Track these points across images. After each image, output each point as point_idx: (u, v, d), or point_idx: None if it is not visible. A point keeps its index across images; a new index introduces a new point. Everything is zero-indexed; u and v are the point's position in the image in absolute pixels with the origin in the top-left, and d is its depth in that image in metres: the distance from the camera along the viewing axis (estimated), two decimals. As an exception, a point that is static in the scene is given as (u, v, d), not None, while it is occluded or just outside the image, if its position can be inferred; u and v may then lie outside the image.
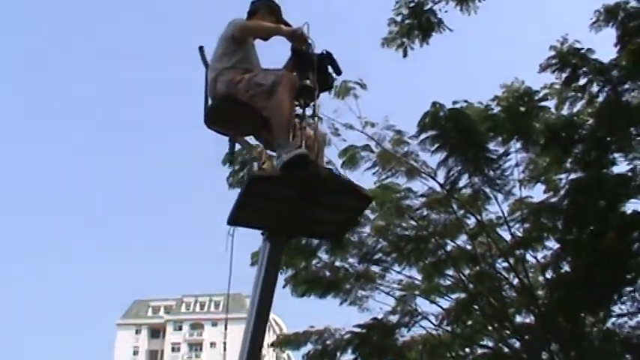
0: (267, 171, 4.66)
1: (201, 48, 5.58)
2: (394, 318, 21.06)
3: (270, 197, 4.55)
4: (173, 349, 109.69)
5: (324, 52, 5.28)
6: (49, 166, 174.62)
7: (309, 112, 5.08)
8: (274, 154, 4.93)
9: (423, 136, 17.98)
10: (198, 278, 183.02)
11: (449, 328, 21.62)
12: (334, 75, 5.39)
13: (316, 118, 5.03)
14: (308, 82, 4.99)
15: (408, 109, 20.75)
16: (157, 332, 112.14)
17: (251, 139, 5.54)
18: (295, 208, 4.64)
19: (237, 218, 4.74)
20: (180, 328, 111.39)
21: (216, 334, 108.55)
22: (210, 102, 5.24)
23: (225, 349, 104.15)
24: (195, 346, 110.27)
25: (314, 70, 5.04)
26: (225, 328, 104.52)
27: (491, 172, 17.84)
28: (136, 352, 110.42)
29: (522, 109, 17.95)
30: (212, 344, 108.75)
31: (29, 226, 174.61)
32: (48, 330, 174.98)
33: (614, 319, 20.24)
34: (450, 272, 20.89)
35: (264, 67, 5.52)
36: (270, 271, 4.78)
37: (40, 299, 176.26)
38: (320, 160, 5.04)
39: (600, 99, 17.05)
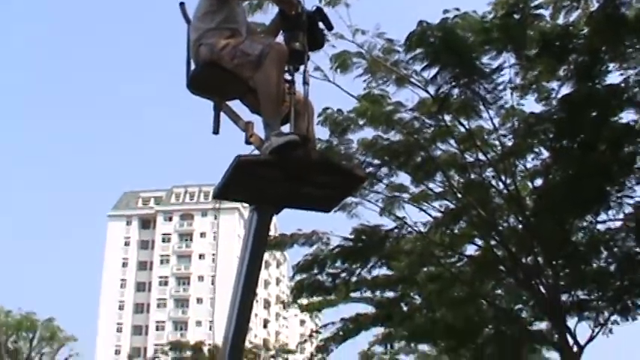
0: (254, 155, 4.43)
1: (182, 4, 5.25)
2: (383, 227, 21.21)
3: (258, 177, 4.37)
4: (164, 240, 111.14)
5: (315, 7, 4.99)
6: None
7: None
8: (260, 117, 4.70)
9: (411, 54, 17.54)
10: (188, 169, 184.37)
11: (436, 237, 21.82)
12: (325, 31, 5.12)
13: (306, 85, 4.78)
14: (297, 45, 4.71)
15: (402, 17, 20.16)
16: (147, 223, 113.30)
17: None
18: (284, 186, 4.46)
19: (224, 193, 4.57)
20: (171, 219, 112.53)
21: (206, 224, 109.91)
22: (193, 66, 4.96)
23: (214, 239, 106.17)
24: (186, 237, 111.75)
25: (304, 31, 4.76)
26: (216, 218, 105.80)
27: (484, 88, 17.50)
28: (127, 243, 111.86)
29: (516, 16, 17.47)
30: (202, 234, 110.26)
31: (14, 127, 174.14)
32: (39, 226, 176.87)
33: (600, 225, 20.43)
34: (439, 178, 20.90)
35: (251, 26, 5.23)
36: (258, 243, 4.63)
37: (29, 195, 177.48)
38: (310, 127, 4.82)
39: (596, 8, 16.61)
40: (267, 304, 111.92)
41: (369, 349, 40.73)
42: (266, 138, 4.41)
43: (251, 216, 4.70)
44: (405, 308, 25.73)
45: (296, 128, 4.52)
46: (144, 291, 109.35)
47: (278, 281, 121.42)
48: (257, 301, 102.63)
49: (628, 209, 19.00)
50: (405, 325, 26.34)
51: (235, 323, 4.44)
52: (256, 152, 4.46)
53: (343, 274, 22.03)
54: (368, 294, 25.80)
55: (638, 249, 20.18)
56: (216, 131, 4.86)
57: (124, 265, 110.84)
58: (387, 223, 21.35)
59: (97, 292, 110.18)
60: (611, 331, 21.68)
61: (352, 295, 26.18)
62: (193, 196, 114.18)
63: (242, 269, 4.54)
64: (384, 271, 23.69)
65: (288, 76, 4.76)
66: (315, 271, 21.92)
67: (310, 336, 32.12)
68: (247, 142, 4.62)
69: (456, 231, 21.67)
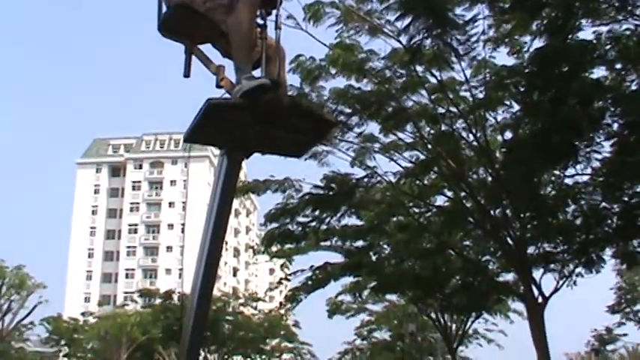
0: (225, 98, 4.40)
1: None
2: (353, 175, 21.29)
3: (229, 120, 4.34)
4: (134, 188, 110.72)
5: (284, -49, 4.91)
6: None
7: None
8: (232, 62, 4.65)
9: (384, 4, 17.43)
10: (158, 117, 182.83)
11: (406, 187, 21.95)
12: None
13: (278, 30, 4.73)
14: (271, -13, 4.66)
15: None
16: (117, 171, 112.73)
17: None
18: (255, 130, 4.44)
19: (194, 137, 4.54)
20: (141, 167, 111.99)
21: (176, 172, 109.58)
22: (164, 8, 4.88)
23: (185, 187, 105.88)
24: (156, 184, 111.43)
25: (275, -26, 4.69)
26: (186, 167, 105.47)
27: (456, 39, 17.46)
28: (96, 191, 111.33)
29: (490, -33, 17.38)
30: (172, 182, 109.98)
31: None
32: (7, 172, 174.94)
33: (568, 180, 20.67)
34: (410, 129, 20.96)
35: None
36: (227, 188, 4.60)
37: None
38: (282, 72, 4.80)
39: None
40: (236, 253, 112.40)
41: (337, 296, 41.18)
42: (237, 82, 4.37)
43: (221, 160, 4.68)
44: (374, 258, 25.94)
45: (267, 73, 4.48)
46: (113, 239, 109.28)
47: (248, 230, 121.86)
48: (226, 250, 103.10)
49: (595, 164, 19.25)
50: (374, 275, 26.57)
51: (204, 271, 4.43)
52: (227, 96, 4.44)
53: (313, 223, 22.14)
54: (338, 243, 25.98)
55: (604, 203, 20.49)
56: (187, 74, 4.80)
57: (94, 212, 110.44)
58: (358, 173, 21.47)
59: (67, 239, 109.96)
60: (575, 283, 22.06)
61: (322, 243, 26.35)
62: (164, 144, 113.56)
63: (211, 215, 4.53)
64: (353, 220, 23.89)
65: (260, 21, 4.70)
66: (286, 220, 22.02)
67: (279, 283, 32.26)
68: (218, 86, 4.58)
69: (425, 182, 21.86)
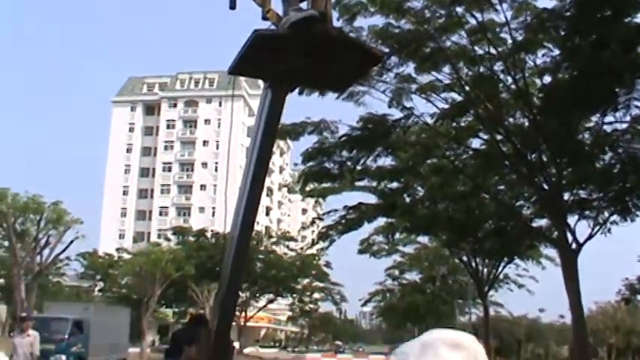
0: (272, 29, 4.38)
1: None
2: (390, 116, 21.20)
3: (274, 52, 4.33)
4: (168, 126, 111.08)
5: None
6: None
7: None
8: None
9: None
10: (193, 55, 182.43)
11: (442, 129, 21.83)
12: None
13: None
14: None
15: None
16: (151, 109, 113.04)
17: None
18: (300, 62, 4.43)
19: (239, 68, 4.53)
20: (175, 105, 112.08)
21: (210, 111, 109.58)
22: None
23: (219, 126, 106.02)
24: (190, 123, 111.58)
25: None
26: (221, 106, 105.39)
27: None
28: (131, 129, 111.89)
29: None
30: (206, 121, 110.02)
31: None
32: (44, 108, 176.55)
33: (606, 126, 20.41)
34: (448, 70, 20.76)
35: None
36: (271, 121, 4.59)
37: (35, 85, 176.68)
38: (328, 4, 4.76)
39: None
40: (269, 192, 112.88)
41: (370, 237, 41.36)
42: (284, 13, 4.37)
43: (264, 95, 4.68)
44: (407, 199, 25.96)
45: (314, 5, 4.46)
46: (148, 176, 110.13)
47: (281, 169, 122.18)
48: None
49: (635, 111, 18.97)
50: (407, 216, 26.63)
51: (244, 211, 4.43)
52: (273, 28, 4.42)
53: (349, 163, 22.14)
54: (372, 184, 26.02)
55: (642, 151, 20.25)
56: (232, 6, 4.78)
57: (128, 150, 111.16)
58: (395, 114, 21.37)
59: (102, 177, 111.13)
60: (609, 230, 21.95)
61: (356, 184, 26.40)
62: (198, 83, 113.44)
63: (254, 150, 4.55)
64: (389, 161, 23.83)
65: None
66: (323, 159, 22.03)
67: (312, 222, 32.35)
68: (264, 18, 4.56)
69: (462, 124, 21.70)
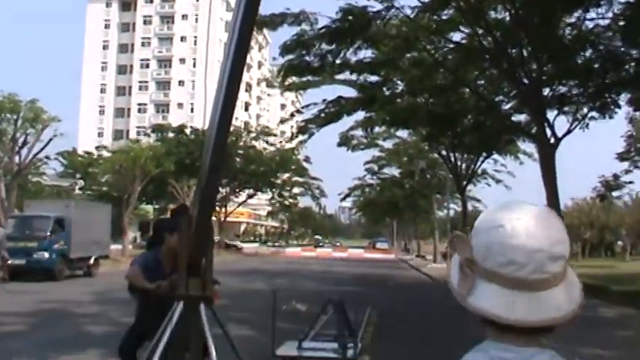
0: None
1: None
2: (371, 8, 20.80)
3: None
4: (145, 22, 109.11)
5: None
6: None
7: None
8: None
9: None
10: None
11: (423, 22, 21.52)
12: None
13: None
14: None
15: None
16: (127, 5, 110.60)
17: None
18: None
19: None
20: (152, 1, 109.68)
21: (187, 6, 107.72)
22: None
23: (196, 21, 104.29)
24: (167, 19, 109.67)
25: None
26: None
27: None
28: (107, 26, 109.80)
29: None
30: (184, 16, 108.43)
31: None
32: (19, 9, 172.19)
33: (588, 22, 20.27)
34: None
35: None
36: (249, 9, 4.37)
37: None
38: None
39: None
40: (248, 88, 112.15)
41: (348, 131, 41.38)
42: None
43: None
44: (387, 93, 25.85)
45: None
46: (125, 74, 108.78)
47: (260, 65, 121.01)
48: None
49: (617, 7, 18.76)
50: (387, 109, 26.57)
51: (222, 106, 4.31)
52: None
53: (329, 56, 21.86)
54: (352, 77, 25.85)
55: (623, 48, 20.16)
56: None
57: (105, 47, 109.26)
58: (375, 6, 20.97)
59: (79, 75, 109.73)
60: (587, 126, 22.09)
61: (336, 77, 26.21)
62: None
63: (232, 38, 4.40)
64: (369, 54, 23.60)
65: None
66: (302, 52, 21.73)
67: (292, 115, 32.23)
68: None
69: (443, 16, 21.38)
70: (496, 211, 1.47)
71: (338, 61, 22.51)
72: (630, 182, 38.74)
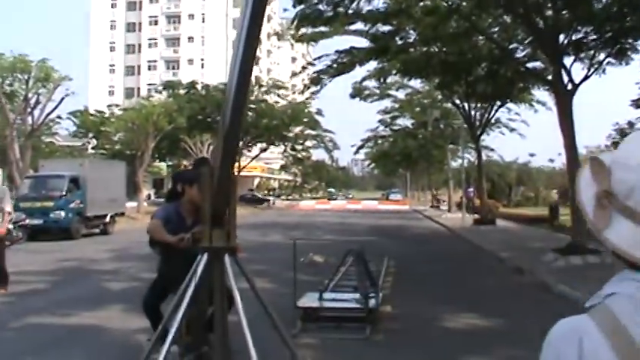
0: None
1: None
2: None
3: None
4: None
5: None
6: None
7: None
8: None
9: None
10: None
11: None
12: None
13: None
14: None
15: None
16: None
17: None
18: None
19: None
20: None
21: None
22: None
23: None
24: None
25: None
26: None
27: None
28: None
29: None
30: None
31: None
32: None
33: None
34: None
35: None
36: None
37: None
38: None
39: None
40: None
41: (361, 82, 41.12)
42: None
43: None
44: (400, 42, 25.52)
45: None
46: (134, 31, 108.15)
47: (269, 18, 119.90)
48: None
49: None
50: (400, 59, 26.27)
51: (240, 62, 4.19)
52: None
53: (342, 4, 21.51)
54: (364, 28, 25.52)
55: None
56: None
57: (113, 6, 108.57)
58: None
59: (87, 34, 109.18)
60: (604, 71, 21.74)
61: (348, 27, 25.90)
62: None
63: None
64: (381, 3, 23.24)
65: None
66: (314, 1, 21.39)
67: (304, 68, 31.94)
68: None
69: None
70: None
71: (350, 11, 22.18)
72: (645, 129, 38.55)
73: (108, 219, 29.72)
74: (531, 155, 71.91)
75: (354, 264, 10.25)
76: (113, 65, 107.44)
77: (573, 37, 20.90)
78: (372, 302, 9.66)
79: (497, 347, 8.55)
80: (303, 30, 25.42)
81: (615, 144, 40.25)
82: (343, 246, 11.53)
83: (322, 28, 25.06)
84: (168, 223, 6.70)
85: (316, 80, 28.72)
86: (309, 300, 9.98)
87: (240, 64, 4.12)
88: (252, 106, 59.06)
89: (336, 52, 26.69)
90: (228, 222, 5.08)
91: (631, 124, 35.67)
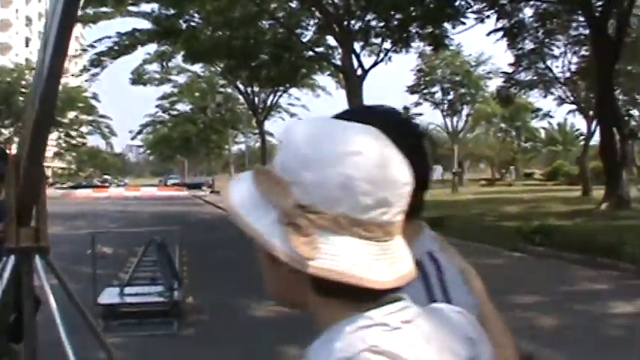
0: None
1: None
2: None
3: None
4: None
5: None
6: None
7: None
8: None
9: None
10: None
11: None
12: None
13: None
14: None
15: None
16: None
17: None
18: None
19: None
20: None
21: None
22: None
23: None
24: None
25: None
26: None
27: None
28: None
29: None
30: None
31: None
32: None
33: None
34: None
35: None
36: None
37: None
38: None
39: None
40: (28, 22, 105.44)
41: (142, 65, 40.20)
42: None
43: None
44: (184, 25, 25.09)
45: None
46: None
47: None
48: (17, 18, 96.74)
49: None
50: (184, 43, 25.85)
51: (57, 30, 3.65)
52: None
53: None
54: (147, 9, 24.84)
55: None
56: None
57: None
58: None
59: None
60: (390, 59, 22.56)
61: (130, 9, 25.08)
62: None
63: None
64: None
65: None
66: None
67: (83, 50, 30.60)
68: None
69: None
70: (337, 133, 0.99)
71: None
72: (420, 114, 40.80)
73: None
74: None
75: (156, 255, 9.75)
76: None
77: (363, 24, 21.47)
78: (176, 294, 9.22)
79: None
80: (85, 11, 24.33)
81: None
82: (131, 236, 10.98)
83: (104, 9, 24.08)
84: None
85: (97, 62, 27.67)
86: (110, 296, 9.35)
87: (55, 46, 3.61)
88: (24, 90, 56.06)
89: (118, 33, 25.87)
90: (38, 218, 4.53)
91: (407, 109, 37.48)
